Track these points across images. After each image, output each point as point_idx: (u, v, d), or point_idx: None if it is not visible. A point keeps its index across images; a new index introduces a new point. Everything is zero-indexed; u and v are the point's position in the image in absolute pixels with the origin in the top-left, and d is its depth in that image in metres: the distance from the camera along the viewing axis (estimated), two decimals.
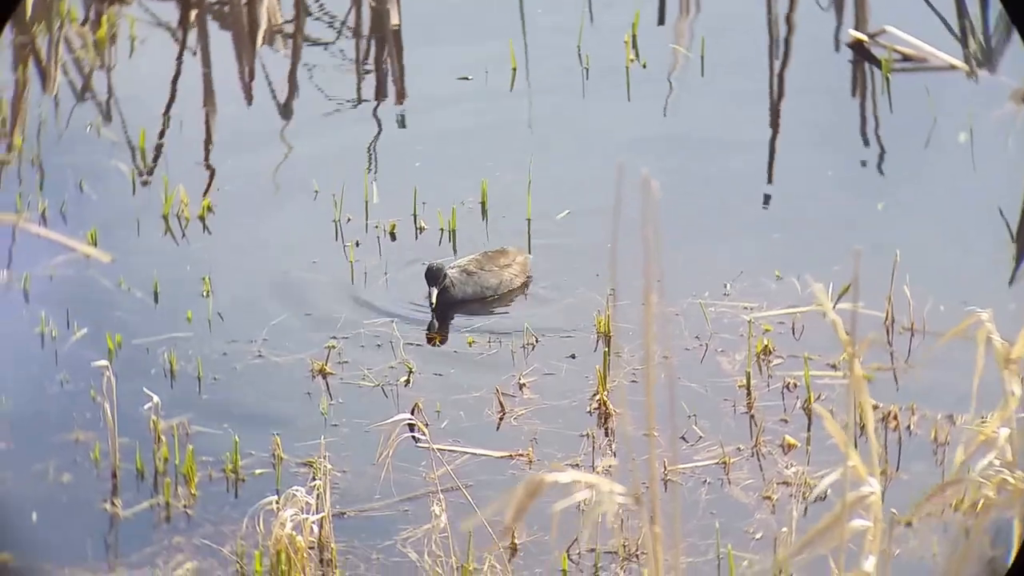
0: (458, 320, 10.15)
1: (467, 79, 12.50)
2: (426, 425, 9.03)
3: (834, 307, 9.85)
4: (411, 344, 9.91)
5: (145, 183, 11.34)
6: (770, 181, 11.35)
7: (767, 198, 11.11)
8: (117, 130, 11.94)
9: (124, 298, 10.21)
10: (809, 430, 9.14)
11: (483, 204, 11.04)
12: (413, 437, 8.93)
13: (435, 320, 10.05)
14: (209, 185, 11.33)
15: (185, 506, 8.69)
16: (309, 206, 11.09)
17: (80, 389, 9.44)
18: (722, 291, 10.10)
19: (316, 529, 8.27)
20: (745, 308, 9.93)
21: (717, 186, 11.18)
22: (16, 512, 8.65)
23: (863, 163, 11.50)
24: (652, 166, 11.31)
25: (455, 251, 10.72)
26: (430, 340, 9.86)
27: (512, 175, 11.23)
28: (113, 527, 8.61)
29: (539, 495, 5.54)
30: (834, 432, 6.07)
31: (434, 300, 10.11)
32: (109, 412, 8.84)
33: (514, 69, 12.60)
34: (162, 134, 11.92)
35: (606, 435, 9.13)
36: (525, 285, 10.36)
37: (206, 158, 11.68)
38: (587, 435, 9.12)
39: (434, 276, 10.15)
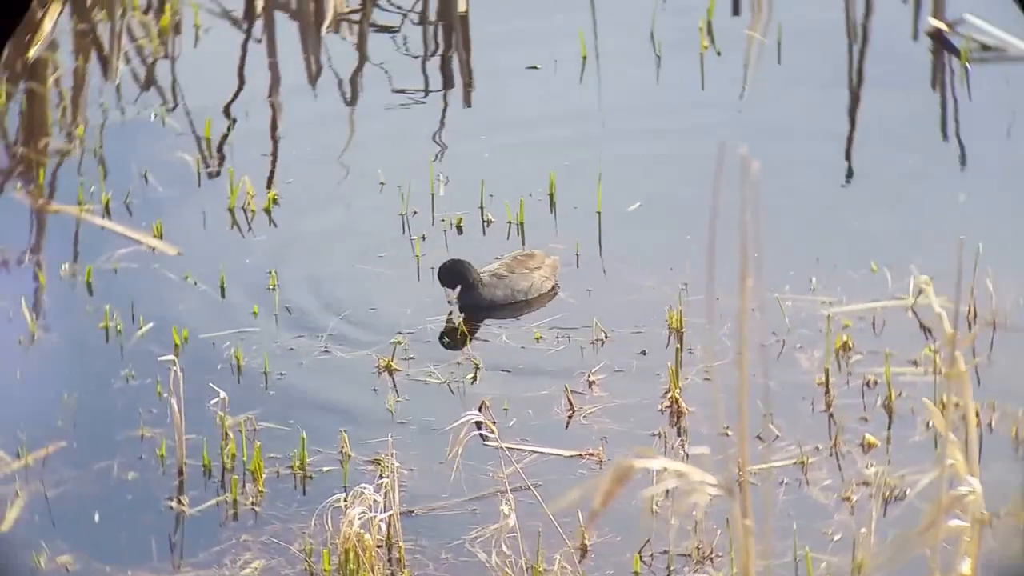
0: (507, 319, 9.95)
1: (536, 68, 12.32)
2: (494, 423, 8.87)
3: (916, 301, 9.66)
4: (478, 340, 9.76)
5: (211, 174, 11.22)
6: (849, 171, 11.12)
7: (849, 173, 10.88)
8: (182, 120, 11.82)
9: (190, 292, 10.10)
10: (890, 428, 8.92)
11: (551, 196, 10.85)
12: (481, 435, 8.77)
13: (459, 324, 9.80)
14: (274, 177, 11.20)
15: (253, 504, 8.58)
16: (375, 198, 10.95)
17: (146, 385, 9.33)
18: (805, 285, 9.87)
19: (384, 527, 8.14)
20: (824, 303, 9.71)
21: (794, 176, 10.96)
22: (79, 512, 8.55)
23: (944, 138, 11.27)
24: (728, 156, 11.09)
25: (523, 244, 10.54)
26: (448, 339, 9.62)
27: (582, 166, 11.04)
28: (179, 525, 8.51)
29: (627, 481, 5.39)
30: (940, 427, 5.88)
31: (453, 299, 9.85)
32: (176, 408, 8.73)
33: (584, 58, 12.40)
34: (227, 124, 11.80)
35: (679, 434, 8.94)
36: (554, 289, 10.10)
37: (272, 149, 11.55)
38: (659, 434, 8.94)
39: (446, 276, 9.87)
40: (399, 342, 9.65)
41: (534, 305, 10.01)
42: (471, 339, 9.75)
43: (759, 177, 5.32)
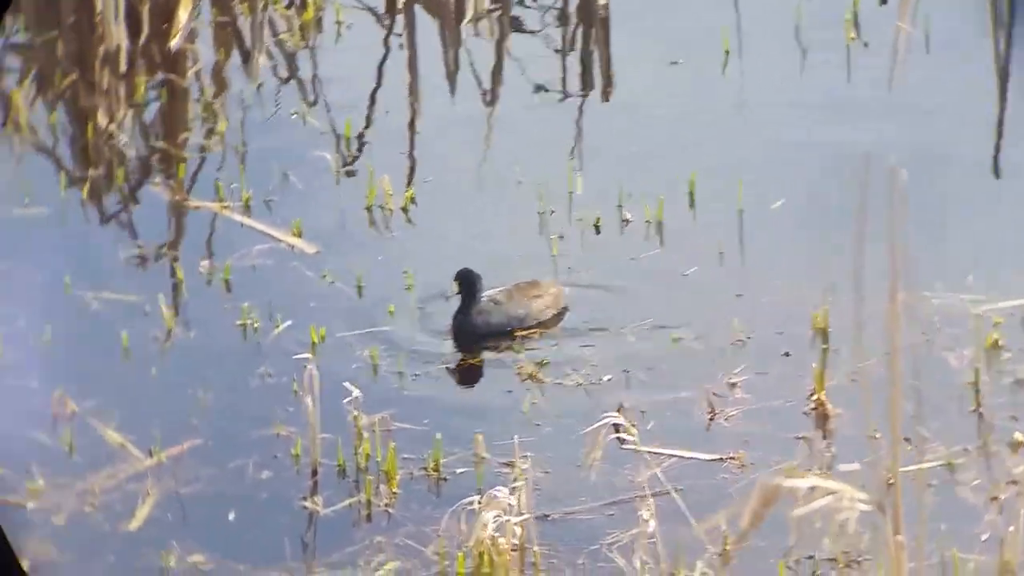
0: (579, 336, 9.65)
1: (677, 63, 12.11)
2: (633, 426, 8.68)
3: None
4: (614, 343, 9.57)
5: (349, 173, 11.16)
6: (999, 166, 10.78)
7: (1000, 168, 10.56)
8: (322, 117, 11.78)
9: (327, 290, 10.04)
10: None
11: (691, 195, 10.64)
12: (619, 438, 8.59)
13: (458, 349, 9.56)
14: (412, 176, 11.11)
15: (386, 505, 8.48)
16: (513, 197, 10.81)
17: (282, 383, 9.28)
18: (956, 283, 9.56)
19: (518, 531, 8.00)
20: (973, 301, 9.40)
21: (943, 170, 10.64)
22: (212, 511, 8.51)
23: None
24: (876, 150, 10.81)
25: (662, 243, 10.34)
26: (458, 371, 9.38)
27: (723, 163, 10.82)
28: (312, 525, 8.44)
29: (776, 502, 5.24)
30: None
31: (452, 294, 9.59)
32: (311, 407, 8.66)
33: (727, 52, 12.16)
34: (367, 123, 11.74)
35: (824, 438, 8.69)
36: (559, 316, 9.78)
37: (410, 148, 11.46)
38: (803, 438, 8.69)
39: (461, 279, 9.59)
40: (535, 346, 9.51)
41: (535, 332, 9.68)
42: (608, 343, 9.57)
43: (906, 176, 5.11)
